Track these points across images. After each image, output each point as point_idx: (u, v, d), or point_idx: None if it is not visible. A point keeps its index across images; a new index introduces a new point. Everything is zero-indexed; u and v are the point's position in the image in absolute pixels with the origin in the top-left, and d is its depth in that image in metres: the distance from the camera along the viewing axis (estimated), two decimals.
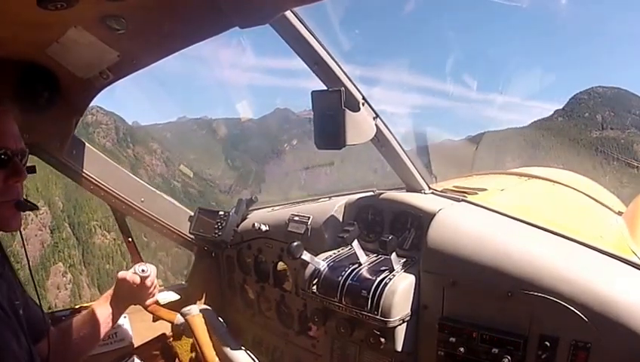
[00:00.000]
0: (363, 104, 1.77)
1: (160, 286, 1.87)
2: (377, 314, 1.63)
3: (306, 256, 1.81)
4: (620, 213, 2.23)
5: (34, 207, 1.34)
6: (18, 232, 1.36)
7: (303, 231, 2.19)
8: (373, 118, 1.81)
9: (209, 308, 2.12)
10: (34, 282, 1.61)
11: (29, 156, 1.35)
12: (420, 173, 2.02)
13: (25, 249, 1.53)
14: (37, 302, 1.55)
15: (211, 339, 1.92)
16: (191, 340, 2.05)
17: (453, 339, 1.58)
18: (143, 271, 1.70)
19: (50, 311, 2.05)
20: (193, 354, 2.06)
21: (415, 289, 1.69)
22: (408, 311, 1.67)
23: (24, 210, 1.31)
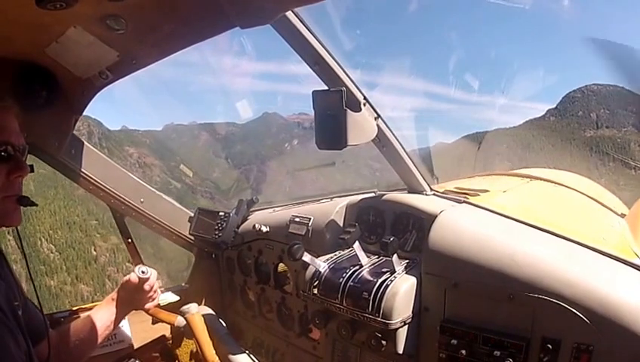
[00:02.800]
0: (364, 104, 1.76)
1: (159, 287, 1.85)
2: (378, 316, 1.63)
3: (306, 257, 1.80)
4: (622, 215, 2.22)
5: (34, 204, 1.36)
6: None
7: (303, 233, 2.18)
8: (375, 119, 1.80)
9: (209, 309, 2.11)
10: (33, 283, 1.61)
11: (28, 155, 1.36)
12: (421, 174, 2.01)
13: (23, 249, 1.52)
14: (36, 303, 1.54)
15: (212, 341, 1.91)
16: (191, 343, 2.04)
17: (454, 342, 1.56)
18: (142, 272, 1.70)
19: (49, 312, 2.04)
20: (192, 358, 2.05)
21: (416, 291, 1.68)
22: (409, 313, 1.66)
23: (25, 206, 1.34)
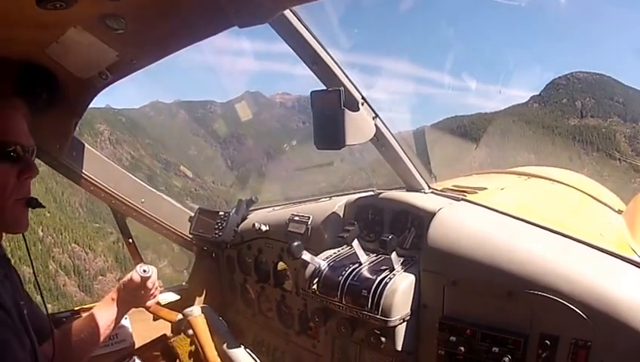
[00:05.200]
0: (362, 104, 1.77)
1: (160, 286, 1.86)
2: (378, 314, 1.64)
3: (306, 255, 1.81)
4: (619, 212, 2.23)
5: (42, 206, 1.35)
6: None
7: (303, 231, 2.19)
8: (373, 118, 1.81)
9: (210, 308, 2.12)
10: (37, 284, 1.61)
11: None
12: (419, 173, 2.02)
13: (28, 251, 1.52)
14: (40, 303, 1.55)
15: (212, 339, 1.91)
16: (191, 341, 2.05)
17: (453, 339, 1.57)
18: (144, 271, 1.71)
19: (51, 313, 2.04)
20: (192, 356, 2.05)
21: (415, 289, 1.69)
22: (408, 310, 1.67)
23: (34, 208, 1.33)
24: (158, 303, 1.96)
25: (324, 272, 1.82)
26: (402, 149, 1.94)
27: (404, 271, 1.73)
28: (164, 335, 2.17)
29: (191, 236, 2.68)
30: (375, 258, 1.88)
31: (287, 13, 1.47)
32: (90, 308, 1.78)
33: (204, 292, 2.71)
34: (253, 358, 1.91)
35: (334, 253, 1.95)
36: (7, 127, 1.26)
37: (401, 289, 1.64)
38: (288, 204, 2.56)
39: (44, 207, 1.38)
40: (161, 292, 2.03)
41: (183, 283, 2.76)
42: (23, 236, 1.44)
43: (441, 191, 2.04)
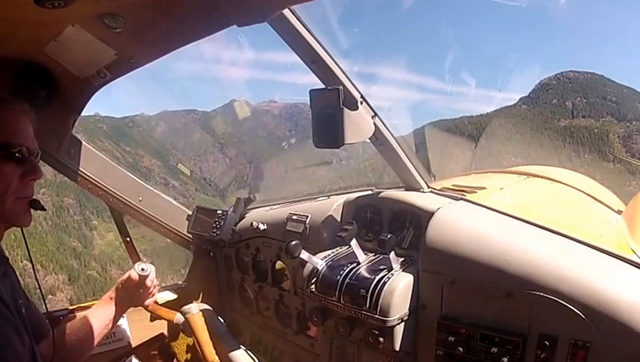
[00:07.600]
0: (361, 102, 1.76)
1: (157, 285, 1.86)
2: (376, 314, 1.63)
3: (304, 255, 1.80)
4: (619, 212, 2.23)
5: (44, 209, 1.40)
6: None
7: (301, 230, 2.18)
8: (372, 117, 1.81)
9: (209, 307, 2.12)
10: (37, 282, 1.61)
11: None
12: (418, 172, 2.02)
13: (28, 249, 1.52)
14: (37, 302, 1.55)
15: (211, 338, 1.91)
16: (189, 340, 2.04)
17: (451, 339, 1.57)
18: (142, 269, 1.70)
19: (48, 311, 2.04)
20: (189, 355, 2.05)
21: (414, 289, 1.68)
22: (407, 310, 1.67)
23: (36, 209, 1.36)
24: (156, 302, 1.96)
25: (323, 271, 1.82)
26: (401, 148, 1.94)
27: (403, 270, 1.72)
28: (162, 334, 2.17)
29: (189, 235, 2.68)
30: (373, 257, 1.88)
31: (286, 12, 1.46)
32: (88, 307, 1.78)
33: (202, 291, 2.70)
34: (251, 357, 1.92)
35: (332, 253, 1.94)
36: (14, 129, 1.29)
37: (399, 288, 1.64)
38: (286, 202, 2.56)
39: (45, 209, 1.42)
40: (158, 291, 2.03)
41: (181, 282, 2.76)
42: (23, 235, 1.46)
43: (440, 190, 2.04)
